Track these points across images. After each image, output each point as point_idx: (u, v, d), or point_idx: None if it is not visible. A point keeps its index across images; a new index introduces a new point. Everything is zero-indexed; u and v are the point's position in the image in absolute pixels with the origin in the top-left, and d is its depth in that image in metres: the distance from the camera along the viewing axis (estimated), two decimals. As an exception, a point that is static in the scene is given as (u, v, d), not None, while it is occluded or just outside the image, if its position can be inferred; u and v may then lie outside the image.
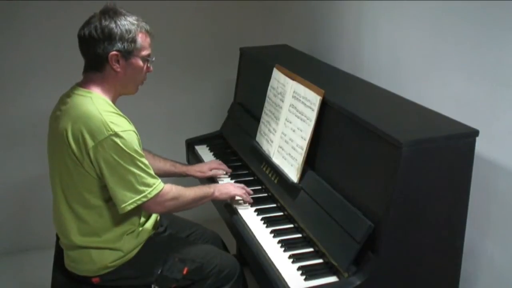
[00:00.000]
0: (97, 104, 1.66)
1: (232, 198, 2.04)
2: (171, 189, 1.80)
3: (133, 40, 1.70)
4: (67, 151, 1.66)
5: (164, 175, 2.23)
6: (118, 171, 1.65)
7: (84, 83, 1.74)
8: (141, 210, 1.79)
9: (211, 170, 2.30)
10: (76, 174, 1.69)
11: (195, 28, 3.02)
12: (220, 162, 2.37)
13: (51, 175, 1.78)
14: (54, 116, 1.74)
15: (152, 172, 1.74)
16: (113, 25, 1.66)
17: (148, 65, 1.79)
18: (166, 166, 2.23)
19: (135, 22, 1.71)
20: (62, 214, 1.75)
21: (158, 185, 1.75)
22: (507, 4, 1.62)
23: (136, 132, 1.71)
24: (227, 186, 2.04)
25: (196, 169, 2.30)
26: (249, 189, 2.09)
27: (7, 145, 2.86)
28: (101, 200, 1.73)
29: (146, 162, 1.72)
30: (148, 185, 1.71)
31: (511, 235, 1.72)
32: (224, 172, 2.32)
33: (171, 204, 1.80)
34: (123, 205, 1.69)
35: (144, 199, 1.71)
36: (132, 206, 1.69)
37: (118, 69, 1.70)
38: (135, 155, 1.67)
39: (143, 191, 1.70)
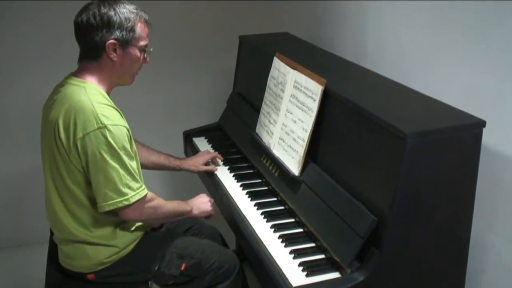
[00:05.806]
0: (90, 94, 1.64)
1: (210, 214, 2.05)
2: (153, 198, 1.76)
3: (132, 29, 1.68)
4: (56, 142, 1.64)
5: (157, 169, 2.24)
6: (103, 166, 1.61)
7: (79, 73, 1.71)
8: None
9: (206, 163, 2.29)
10: (63, 167, 1.66)
11: (193, 15, 2.97)
12: (210, 152, 2.36)
13: (43, 167, 1.75)
14: (47, 106, 1.72)
15: (137, 176, 1.69)
16: (112, 12, 1.64)
17: (145, 55, 1.77)
18: (160, 159, 2.21)
19: (134, 10, 1.70)
20: (54, 207, 1.73)
21: (142, 191, 1.69)
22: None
23: (128, 128, 1.68)
24: (204, 202, 2.02)
25: (189, 163, 2.28)
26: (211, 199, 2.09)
27: (0, 138, 2.83)
28: (87, 196, 1.69)
29: (134, 165, 1.68)
30: (131, 189, 1.66)
31: (519, 229, 1.71)
32: (221, 163, 2.31)
33: (149, 213, 1.75)
34: (102, 204, 1.64)
35: (126, 203, 1.65)
36: (111, 208, 1.65)
37: (115, 58, 1.68)
38: (122, 152, 1.62)
39: (125, 194, 1.65)
